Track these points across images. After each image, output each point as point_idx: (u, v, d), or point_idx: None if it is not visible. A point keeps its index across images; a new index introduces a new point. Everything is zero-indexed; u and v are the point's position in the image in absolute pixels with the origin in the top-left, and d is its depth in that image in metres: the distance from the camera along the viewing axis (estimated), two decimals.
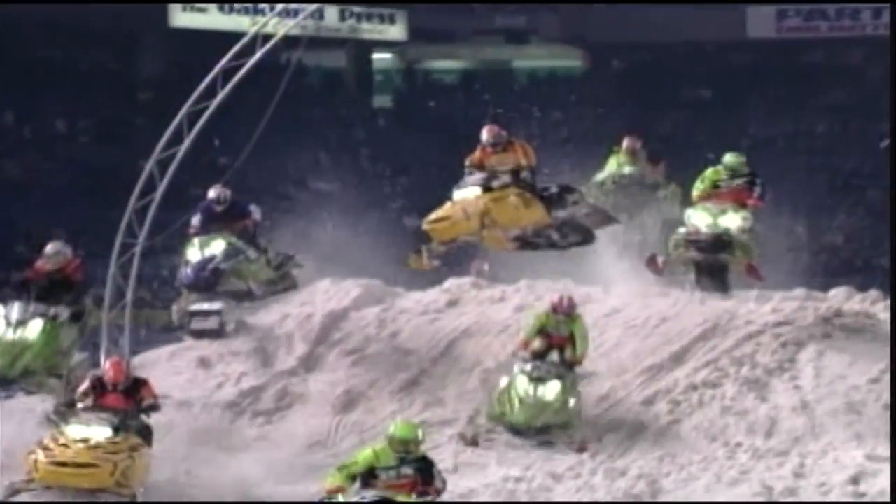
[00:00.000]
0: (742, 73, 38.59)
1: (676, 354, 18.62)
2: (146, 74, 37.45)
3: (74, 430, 15.40)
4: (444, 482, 14.18)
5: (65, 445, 15.27)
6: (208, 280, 19.00)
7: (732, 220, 18.43)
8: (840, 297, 19.73)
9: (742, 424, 17.58)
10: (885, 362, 17.82)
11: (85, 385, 15.92)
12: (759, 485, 16.22)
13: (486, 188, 18.11)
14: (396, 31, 38.95)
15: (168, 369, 19.00)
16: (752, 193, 18.62)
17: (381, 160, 35.32)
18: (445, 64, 41.07)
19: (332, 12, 36.85)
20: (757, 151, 33.03)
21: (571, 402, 17.46)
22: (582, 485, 16.35)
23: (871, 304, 19.50)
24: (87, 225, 31.08)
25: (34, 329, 16.73)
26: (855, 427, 17.35)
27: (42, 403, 17.19)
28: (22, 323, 16.71)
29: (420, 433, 14.26)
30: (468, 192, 18.15)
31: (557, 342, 17.80)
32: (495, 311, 19.87)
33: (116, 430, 15.40)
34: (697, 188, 18.88)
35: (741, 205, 18.55)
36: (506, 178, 18.15)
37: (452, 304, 20.16)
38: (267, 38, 20.67)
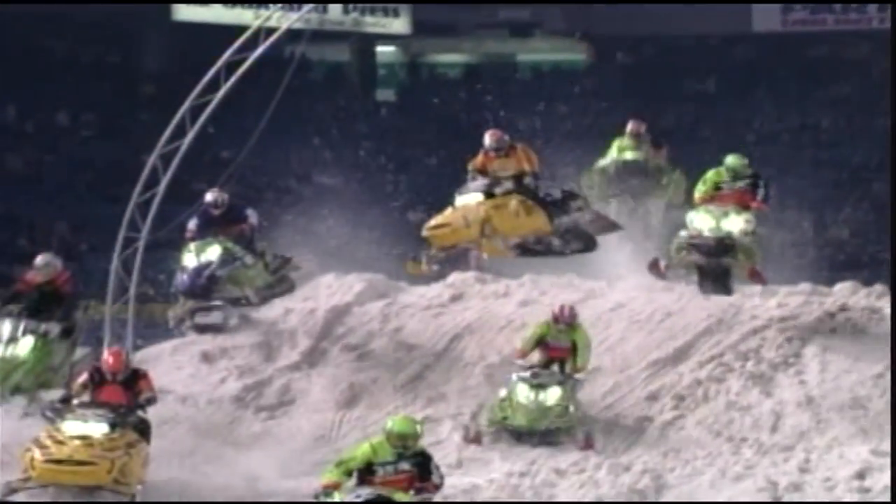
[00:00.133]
0: (747, 67, 38.50)
1: (681, 349, 18.57)
2: (149, 68, 37.41)
3: (71, 427, 15.30)
4: (441, 477, 14.12)
5: (61, 442, 15.17)
6: (204, 287, 18.91)
7: (735, 223, 18.31)
8: (845, 292, 19.66)
9: (747, 419, 17.54)
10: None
11: (83, 376, 15.84)
12: (764, 480, 16.16)
13: (489, 194, 18.07)
14: (400, 25, 38.86)
15: (171, 364, 18.96)
16: (756, 196, 18.49)
17: (384, 154, 35.23)
18: (449, 57, 40.98)
19: (335, 6, 36.76)
20: (762, 145, 33.04)
21: (571, 408, 17.38)
22: (586, 480, 16.29)
23: (877, 299, 19.42)
24: (90, 219, 31.12)
25: (25, 346, 16.66)
26: (860, 422, 17.31)
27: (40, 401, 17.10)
28: (13, 340, 16.64)
29: (418, 428, 14.20)
30: (470, 199, 18.12)
31: (558, 355, 17.66)
32: (499, 305, 19.81)
33: (113, 426, 15.30)
34: (699, 190, 18.75)
35: (744, 207, 18.43)
36: (508, 185, 18.13)
37: (456, 299, 20.10)
38: (270, 31, 20.65)
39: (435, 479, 14.05)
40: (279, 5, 22.14)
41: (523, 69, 40.70)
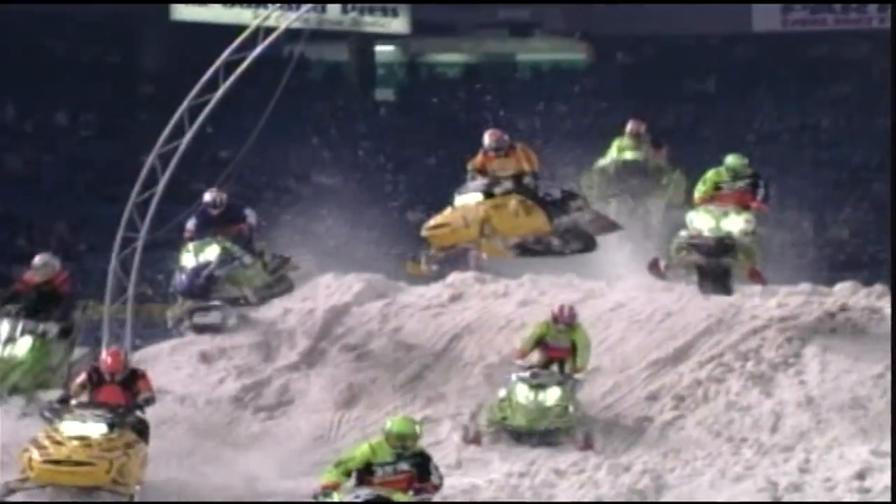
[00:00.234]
0: (747, 67, 38.48)
1: (681, 349, 18.54)
2: (148, 68, 37.41)
3: (69, 427, 15.25)
4: (440, 478, 14.09)
5: (59, 443, 15.13)
6: (203, 287, 18.88)
7: (735, 223, 18.27)
8: (845, 292, 19.62)
9: (747, 420, 17.50)
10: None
11: (82, 377, 15.81)
12: (764, 480, 16.13)
13: (488, 194, 18.06)
14: (399, 24, 38.84)
15: (169, 364, 18.93)
16: (756, 196, 18.45)
17: (383, 154, 35.21)
18: (448, 57, 40.96)
19: (334, 5, 36.74)
20: (762, 145, 33.03)
21: (570, 408, 17.34)
22: (586, 480, 16.26)
23: (877, 299, 19.39)
24: (89, 219, 31.10)
25: (23, 346, 16.62)
26: (860, 422, 17.28)
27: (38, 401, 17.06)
28: (11, 340, 16.60)
29: (417, 429, 14.16)
30: (469, 198, 18.11)
31: (557, 355, 17.62)
32: (499, 305, 19.78)
33: (112, 426, 15.26)
34: (699, 190, 18.72)
35: (744, 207, 18.39)
36: (508, 185, 18.12)
37: (455, 298, 20.07)
38: (269, 31, 20.62)
39: (434, 479, 14.02)
40: (278, 5, 22.10)
41: (523, 69, 40.68)
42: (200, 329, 19.46)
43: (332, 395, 18.35)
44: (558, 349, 17.64)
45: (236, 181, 20.81)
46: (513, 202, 18.02)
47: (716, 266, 18.45)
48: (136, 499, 15.25)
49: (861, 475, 16.11)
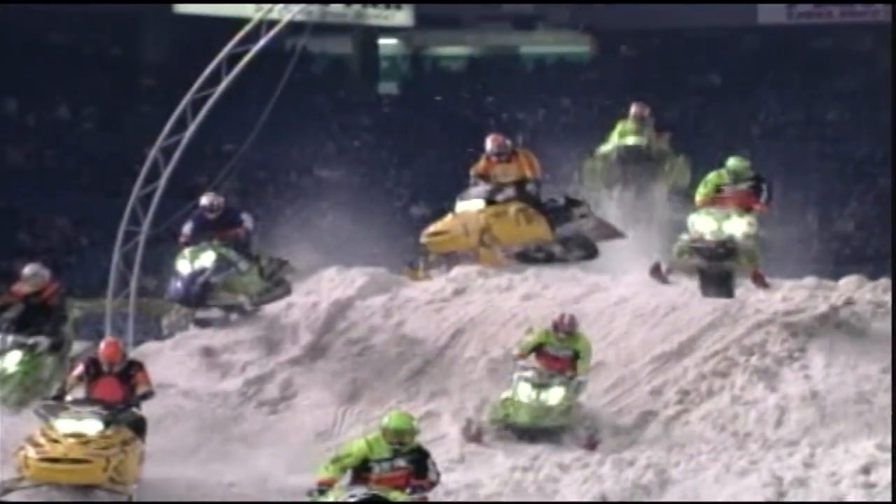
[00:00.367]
0: (752, 60, 38.43)
1: (685, 344, 18.47)
2: (150, 61, 37.38)
3: (65, 425, 15.10)
4: (438, 475, 13.99)
5: (55, 441, 14.99)
6: (199, 295, 18.82)
7: (737, 226, 18.18)
8: (851, 286, 19.55)
9: (751, 414, 17.44)
10: None
11: (79, 368, 15.67)
12: (769, 475, 16.08)
13: (490, 201, 18.03)
14: (402, 17, 38.80)
15: (172, 359, 18.87)
16: (758, 198, 18.35)
17: (386, 148, 35.20)
18: (452, 50, 40.94)
19: None
20: (767, 139, 33.01)
21: (573, 408, 17.25)
22: (589, 475, 16.21)
23: (882, 293, 19.31)
24: (91, 213, 31.07)
25: (13, 360, 16.51)
26: (865, 417, 17.23)
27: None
28: (0, 353, 16.48)
29: (415, 424, 14.07)
30: (471, 205, 18.10)
31: (558, 367, 17.43)
32: (502, 299, 19.71)
33: (108, 423, 15.12)
34: (700, 192, 18.62)
35: (746, 209, 18.29)
36: (510, 192, 18.13)
37: (459, 293, 19.99)
38: (271, 24, 20.60)
39: (431, 476, 13.91)
40: None
41: (526, 62, 40.64)
42: (203, 323, 19.42)
43: (335, 390, 18.29)
44: (559, 360, 17.45)
45: (238, 175, 20.77)
46: (513, 210, 18.03)
47: (718, 270, 18.37)
48: (134, 498, 15.13)
49: (866, 470, 16.06)
